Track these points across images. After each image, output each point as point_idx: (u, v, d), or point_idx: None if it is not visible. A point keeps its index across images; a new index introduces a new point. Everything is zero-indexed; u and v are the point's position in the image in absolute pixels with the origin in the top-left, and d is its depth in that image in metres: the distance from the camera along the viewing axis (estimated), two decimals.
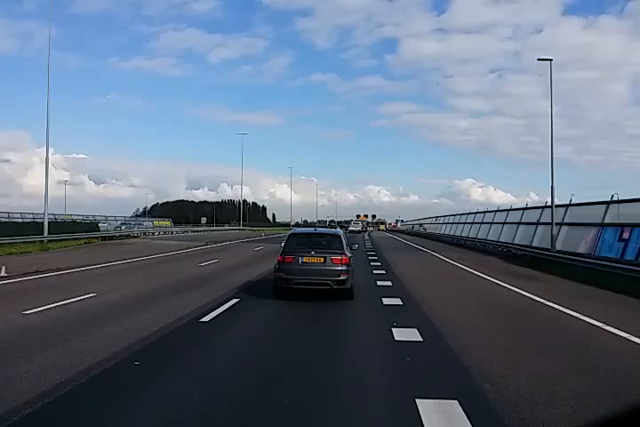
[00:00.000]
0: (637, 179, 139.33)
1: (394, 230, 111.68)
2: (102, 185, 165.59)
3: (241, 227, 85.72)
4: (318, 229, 16.70)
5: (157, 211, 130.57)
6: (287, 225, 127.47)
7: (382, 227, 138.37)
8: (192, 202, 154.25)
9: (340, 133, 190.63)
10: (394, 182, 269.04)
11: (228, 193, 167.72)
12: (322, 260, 11.02)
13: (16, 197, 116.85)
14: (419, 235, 63.65)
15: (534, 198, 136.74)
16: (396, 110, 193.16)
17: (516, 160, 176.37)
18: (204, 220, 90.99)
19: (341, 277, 10.85)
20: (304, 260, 11.04)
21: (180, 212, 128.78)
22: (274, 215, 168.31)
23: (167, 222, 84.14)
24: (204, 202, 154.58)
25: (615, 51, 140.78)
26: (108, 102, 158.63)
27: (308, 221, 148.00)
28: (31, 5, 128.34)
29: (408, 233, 77.99)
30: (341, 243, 11.51)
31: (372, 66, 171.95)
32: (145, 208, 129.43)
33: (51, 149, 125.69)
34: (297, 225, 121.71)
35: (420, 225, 73.44)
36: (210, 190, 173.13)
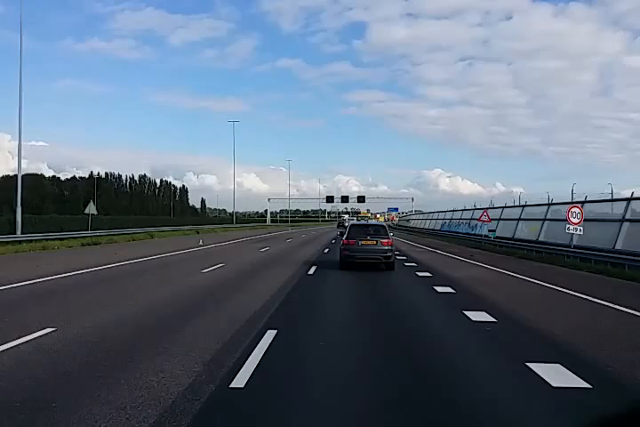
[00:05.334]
0: (599, 170, 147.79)
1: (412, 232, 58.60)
2: (61, 173, 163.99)
3: None
4: (370, 221, 21.94)
5: None
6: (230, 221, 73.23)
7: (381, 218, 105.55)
8: (38, 175, 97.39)
9: (309, 122, 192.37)
10: (363, 172, 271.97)
11: (194, 182, 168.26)
12: (374, 242, 16.03)
13: None
14: None
15: (501, 189, 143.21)
16: (365, 98, 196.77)
17: (483, 150, 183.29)
18: None
19: (388, 254, 15.90)
20: (362, 242, 16.02)
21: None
22: (203, 202, 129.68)
23: None
24: (72, 179, 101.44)
25: (584, 39, 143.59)
26: (66, 87, 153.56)
27: (270, 210, 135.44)
28: None
29: None
30: (386, 231, 16.64)
31: (340, 52, 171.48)
32: None
33: (7, 136, 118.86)
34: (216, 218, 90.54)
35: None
36: (175, 179, 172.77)
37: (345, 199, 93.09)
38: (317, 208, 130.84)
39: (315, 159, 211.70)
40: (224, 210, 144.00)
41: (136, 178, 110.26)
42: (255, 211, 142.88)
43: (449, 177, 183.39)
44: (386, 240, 16.09)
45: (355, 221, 20.18)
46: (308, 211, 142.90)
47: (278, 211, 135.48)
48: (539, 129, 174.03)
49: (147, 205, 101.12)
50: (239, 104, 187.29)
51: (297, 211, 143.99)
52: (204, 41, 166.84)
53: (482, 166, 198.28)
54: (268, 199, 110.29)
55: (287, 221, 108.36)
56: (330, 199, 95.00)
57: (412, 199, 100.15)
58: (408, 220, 76.92)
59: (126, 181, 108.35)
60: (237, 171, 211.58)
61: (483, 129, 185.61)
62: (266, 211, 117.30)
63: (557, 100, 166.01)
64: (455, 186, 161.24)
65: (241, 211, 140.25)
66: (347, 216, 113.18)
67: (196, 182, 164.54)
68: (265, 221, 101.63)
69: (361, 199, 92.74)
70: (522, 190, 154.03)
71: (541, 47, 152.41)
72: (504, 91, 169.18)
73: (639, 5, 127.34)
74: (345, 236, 16.60)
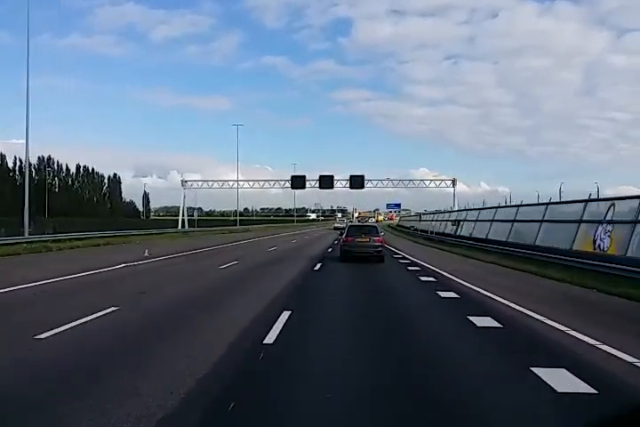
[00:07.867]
0: (585, 170, 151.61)
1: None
2: None
3: None
4: (365, 222, 25.70)
5: None
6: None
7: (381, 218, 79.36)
8: None
9: (295, 121, 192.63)
10: (349, 171, 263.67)
11: (177, 181, 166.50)
12: (368, 239, 19.64)
13: None
14: None
15: (486, 188, 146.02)
16: (352, 97, 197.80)
17: (469, 150, 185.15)
18: None
19: (379, 249, 19.56)
20: (358, 240, 19.71)
21: None
22: (146, 198, 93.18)
23: None
24: None
25: (570, 38, 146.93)
26: (46, 85, 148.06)
27: (250, 209, 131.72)
28: None
29: None
30: (378, 230, 20.35)
31: (325, 49, 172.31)
32: None
33: None
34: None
35: None
36: (159, 178, 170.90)
37: (327, 183, 53.07)
38: (299, 207, 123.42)
39: (301, 158, 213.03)
40: (200, 208, 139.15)
41: (34, 162, 65.16)
42: (234, 209, 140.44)
43: (434, 176, 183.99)
44: (377, 238, 19.79)
45: (352, 223, 24.65)
46: (289, 209, 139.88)
47: (259, 209, 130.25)
48: (524, 129, 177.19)
49: (49, 199, 63.07)
50: (226, 102, 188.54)
51: (279, 209, 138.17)
52: (186, 37, 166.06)
53: (467, 166, 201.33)
54: (182, 183, 63.16)
55: (236, 223, 73.51)
56: (297, 182, 52.96)
57: (453, 182, 58.98)
58: (455, 221, 38.46)
59: (15, 165, 66.01)
60: (223, 170, 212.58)
61: (469, 128, 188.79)
62: (244, 209, 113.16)
63: (543, 99, 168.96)
64: (440, 185, 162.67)
65: (220, 210, 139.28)
66: (341, 217, 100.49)
67: (178, 182, 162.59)
68: (183, 224, 59.93)
69: (357, 183, 53.06)
70: (507, 190, 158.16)
71: (527, 46, 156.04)
72: (490, 90, 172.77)
73: (624, 4, 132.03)
74: (344, 234, 20.30)
